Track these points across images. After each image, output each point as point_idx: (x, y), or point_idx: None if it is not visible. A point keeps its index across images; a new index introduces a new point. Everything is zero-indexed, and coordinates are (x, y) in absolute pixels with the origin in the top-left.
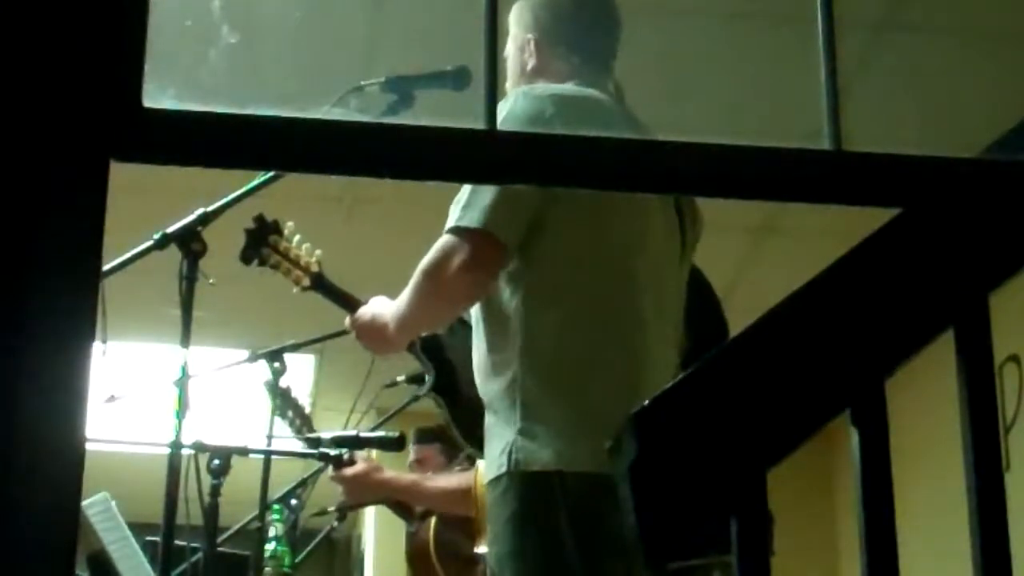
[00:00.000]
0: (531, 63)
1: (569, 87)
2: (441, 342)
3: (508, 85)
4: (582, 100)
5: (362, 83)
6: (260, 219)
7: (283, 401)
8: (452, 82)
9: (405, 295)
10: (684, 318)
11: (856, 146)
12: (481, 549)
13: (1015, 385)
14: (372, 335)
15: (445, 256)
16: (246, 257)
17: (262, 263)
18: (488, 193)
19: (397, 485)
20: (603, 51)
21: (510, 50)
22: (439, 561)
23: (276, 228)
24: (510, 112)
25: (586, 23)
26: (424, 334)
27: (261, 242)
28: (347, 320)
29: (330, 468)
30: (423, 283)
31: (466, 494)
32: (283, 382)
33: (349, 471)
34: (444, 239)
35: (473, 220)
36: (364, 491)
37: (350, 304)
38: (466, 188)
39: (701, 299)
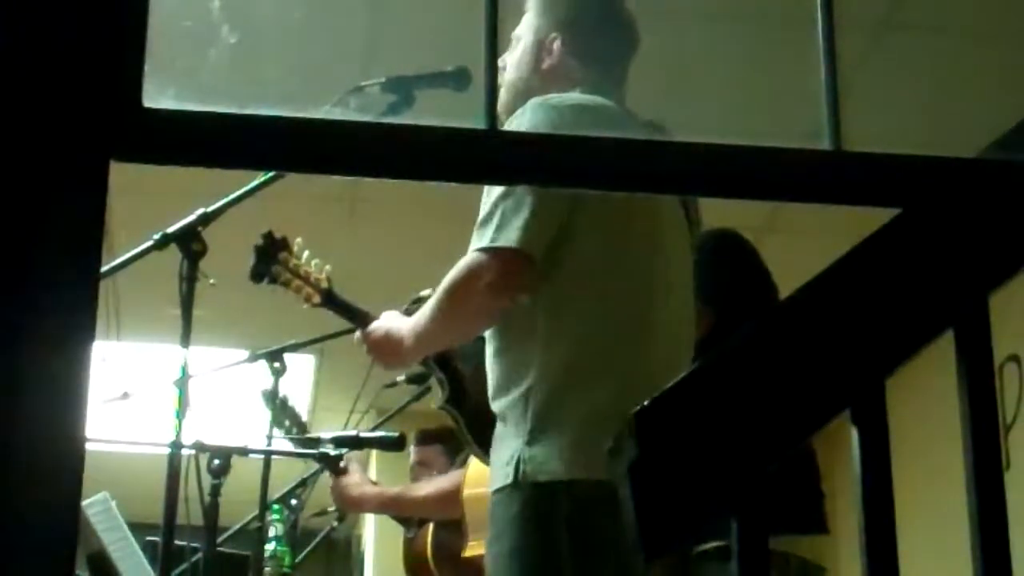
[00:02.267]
0: (547, 62)
1: (578, 95)
2: (452, 353)
3: (508, 74)
4: (596, 109)
5: (362, 83)
6: (269, 236)
7: (280, 410)
8: (452, 82)
9: (427, 312)
10: (712, 287)
11: (856, 146)
12: (473, 552)
13: (1015, 385)
14: (386, 350)
15: (473, 275)
16: (256, 275)
17: (272, 281)
18: (519, 212)
19: (382, 499)
20: (617, 59)
21: (524, 37)
22: (437, 567)
23: (285, 245)
24: (532, 124)
25: (608, 31)
26: None
27: (271, 260)
28: (358, 334)
29: (329, 475)
30: (449, 302)
31: (452, 496)
32: (280, 390)
33: (334, 483)
34: (471, 257)
35: (507, 240)
36: (349, 504)
37: (361, 319)
38: (491, 206)
39: (735, 266)
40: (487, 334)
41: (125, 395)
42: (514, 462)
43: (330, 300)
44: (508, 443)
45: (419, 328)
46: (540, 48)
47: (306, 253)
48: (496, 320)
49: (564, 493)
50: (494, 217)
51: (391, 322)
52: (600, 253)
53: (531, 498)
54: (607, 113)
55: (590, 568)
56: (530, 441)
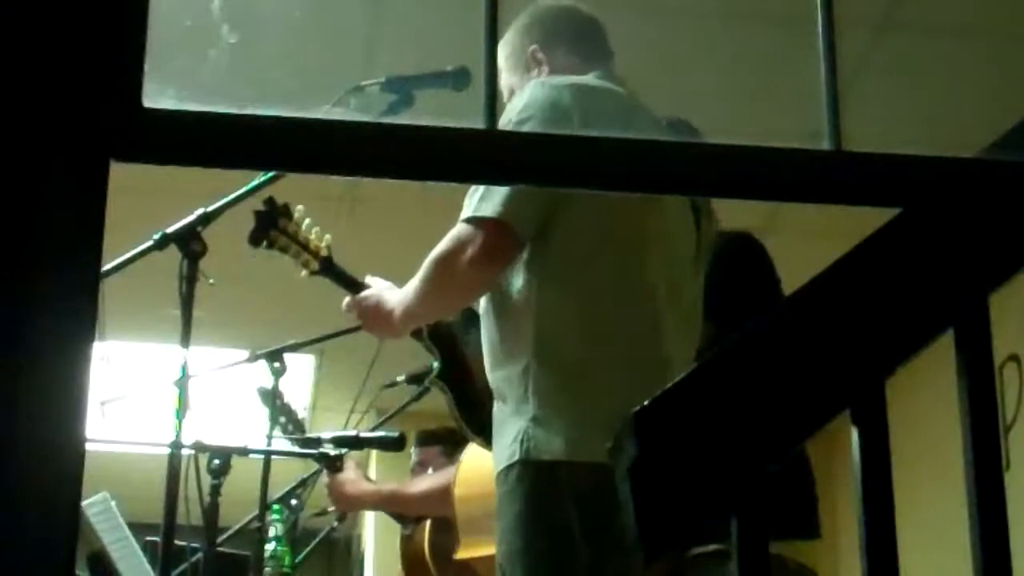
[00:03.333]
0: (545, 71)
1: (589, 78)
2: (450, 330)
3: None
4: (601, 92)
5: (362, 83)
6: (270, 202)
7: (276, 408)
8: (452, 82)
9: (415, 283)
10: (723, 297)
11: (856, 146)
12: (464, 554)
13: (1015, 385)
14: (376, 319)
15: (459, 246)
16: (255, 239)
17: (271, 245)
18: None
19: (378, 496)
20: (603, 52)
21: (512, 83)
22: (434, 564)
23: (286, 211)
24: (530, 99)
25: (579, 29)
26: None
27: (270, 224)
28: (347, 300)
29: (325, 472)
30: (434, 272)
31: (448, 493)
32: (276, 387)
33: (329, 480)
34: (459, 228)
35: (489, 210)
36: (344, 502)
37: (359, 290)
38: None
39: (745, 274)
40: (482, 308)
41: (104, 402)
42: (519, 440)
43: (328, 268)
44: (512, 423)
45: (408, 299)
46: (528, 70)
47: (307, 221)
48: (483, 291)
49: (567, 478)
50: (480, 187)
51: (383, 292)
52: (592, 237)
53: (535, 486)
54: (612, 96)
55: (605, 555)
56: (535, 419)
